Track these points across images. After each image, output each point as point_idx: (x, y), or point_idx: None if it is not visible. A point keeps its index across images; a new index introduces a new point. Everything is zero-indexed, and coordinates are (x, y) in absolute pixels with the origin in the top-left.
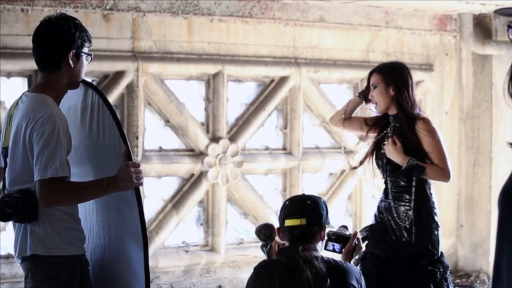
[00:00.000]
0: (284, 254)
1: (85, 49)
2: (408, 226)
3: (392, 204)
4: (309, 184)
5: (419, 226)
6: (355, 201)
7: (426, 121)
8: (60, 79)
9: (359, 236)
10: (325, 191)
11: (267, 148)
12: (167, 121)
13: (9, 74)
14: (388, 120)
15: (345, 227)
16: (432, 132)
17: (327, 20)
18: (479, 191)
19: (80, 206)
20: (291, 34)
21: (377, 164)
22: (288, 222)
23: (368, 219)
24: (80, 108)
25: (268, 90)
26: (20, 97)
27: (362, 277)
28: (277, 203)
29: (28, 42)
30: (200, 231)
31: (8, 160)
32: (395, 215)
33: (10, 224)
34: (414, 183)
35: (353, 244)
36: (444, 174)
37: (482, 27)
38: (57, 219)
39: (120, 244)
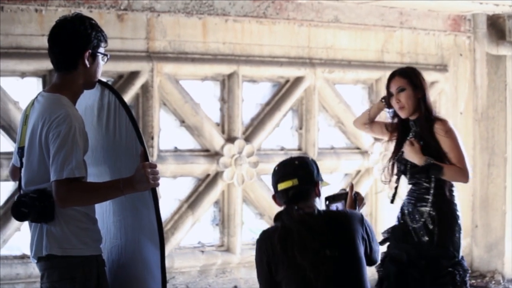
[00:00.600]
0: (280, 218)
1: (101, 49)
2: (430, 227)
3: (415, 205)
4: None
5: (441, 227)
6: (371, 201)
7: (443, 122)
8: (76, 79)
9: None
10: None
11: (282, 149)
12: (182, 122)
13: (23, 74)
14: (408, 125)
15: (343, 189)
16: (449, 132)
17: (342, 21)
18: (494, 192)
19: (97, 206)
20: (306, 35)
21: (399, 168)
22: (281, 186)
23: (384, 219)
24: (97, 108)
25: (283, 90)
26: (36, 97)
27: (367, 221)
28: None
29: (42, 42)
30: (216, 232)
31: (24, 160)
32: (417, 216)
33: (25, 225)
34: (433, 185)
35: (353, 196)
36: (462, 174)
37: (496, 28)
38: (74, 219)
39: (137, 245)
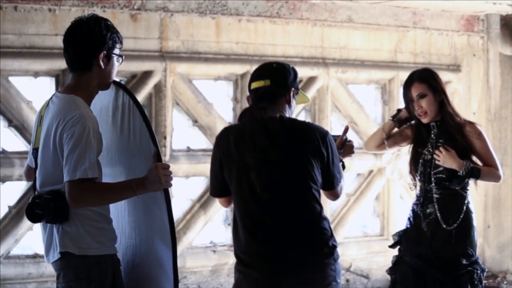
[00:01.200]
0: (244, 112)
1: (116, 50)
2: (448, 227)
3: (436, 208)
4: None
5: (459, 226)
6: (383, 201)
7: (473, 125)
8: (91, 80)
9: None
10: (352, 192)
11: None
12: (195, 121)
13: (36, 74)
14: (428, 127)
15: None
16: (481, 135)
17: (355, 21)
18: (506, 192)
19: (112, 206)
20: (319, 35)
21: (418, 171)
22: (254, 85)
23: (396, 220)
24: (112, 109)
25: None
26: (51, 98)
27: (332, 141)
28: None
29: (55, 42)
30: (228, 231)
31: (38, 161)
32: (435, 217)
33: (37, 225)
34: (462, 188)
35: (344, 138)
36: (497, 174)
37: (510, 28)
38: (88, 219)
39: (150, 245)
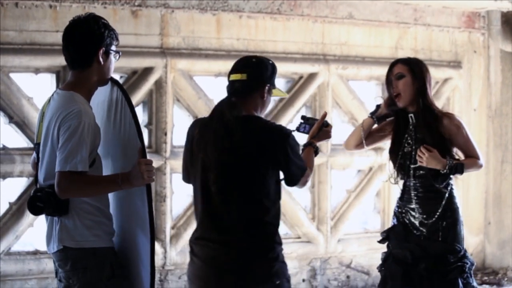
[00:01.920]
0: (215, 106)
1: (113, 47)
2: (434, 224)
3: (416, 203)
4: (338, 181)
5: (446, 223)
6: (383, 198)
7: (451, 117)
8: (90, 76)
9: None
10: (353, 188)
11: None
12: (195, 117)
13: (37, 70)
14: (407, 118)
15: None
16: (460, 126)
17: (356, 17)
18: (506, 189)
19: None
20: (320, 31)
21: (398, 163)
22: (231, 77)
23: None
24: (107, 104)
25: (297, 86)
26: (52, 94)
27: (294, 139)
28: (306, 200)
29: (56, 38)
30: None
31: (40, 155)
32: (420, 213)
33: (38, 220)
34: (442, 184)
35: (322, 124)
36: (478, 164)
37: (510, 25)
38: (87, 213)
39: (131, 234)
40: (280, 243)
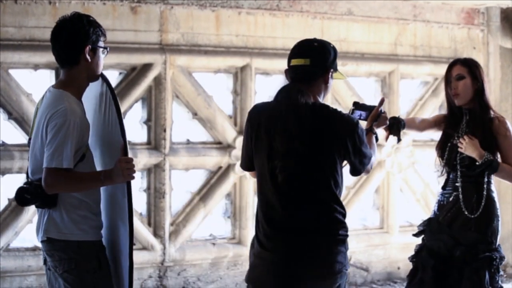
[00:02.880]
0: (281, 92)
1: (101, 43)
2: (471, 215)
3: (459, 195)
4: None
5: (480, 214)
6: (383, 194)
7: (503, 121)
8: (79, 73)
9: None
10: (352, 185)
11: None
12: (194, 114)
13: (36, 67)
14: (461, 113)
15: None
16: (507, 130)
17: (355, 14)
18: (506, 185)
19: None
20: (319, 27)
21: (444, 156)
22: (293, 62)
23: (396, 213)
24: (98, 99)
25: None
26: (46, 92)
27: (362, 129)
28: None
29: None
30: (228, 224)
31: (29, 150)
32: (459, 204)
33: (37, 216)
34: (482, 176)
35: (379, 111)
36: None
37: (510, 21)
38: (74, 207)
39: (113, 226)
40: (347, 231)
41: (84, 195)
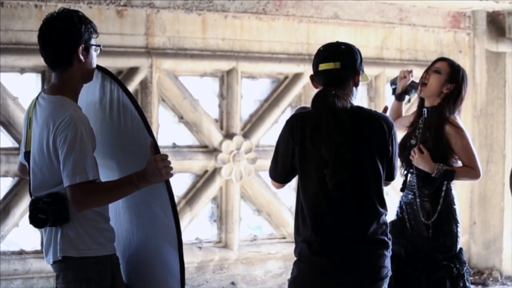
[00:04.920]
0: (317, 99)
1: (93, 41)
2: (426, 221)
3: (414, 198)
4: None
5: (437, 221)
6: None
7: (454, 124)
8: (73, 75)
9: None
10: None
11: None
12: (181, 118)
13: (22, 70)
14: (421, 112)
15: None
16: (460, 134)
17: (341, 17)
18: (492, 189)
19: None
20: (305, 31)
21: (402, 155)
22: (323, 66)
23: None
24: (98, 97)
25: (282, 86)
26: (37, 98)
27: (395, 131)
28: (291, 200)
29: None
30: (214, 228)
31: (31, 165)
32: (416, 209)
33: (23, 220)
34: (430, 190)
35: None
36: (474, 173)
37: (496, 25)
38: (88, 220)
39: (154, 245)
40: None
41: None
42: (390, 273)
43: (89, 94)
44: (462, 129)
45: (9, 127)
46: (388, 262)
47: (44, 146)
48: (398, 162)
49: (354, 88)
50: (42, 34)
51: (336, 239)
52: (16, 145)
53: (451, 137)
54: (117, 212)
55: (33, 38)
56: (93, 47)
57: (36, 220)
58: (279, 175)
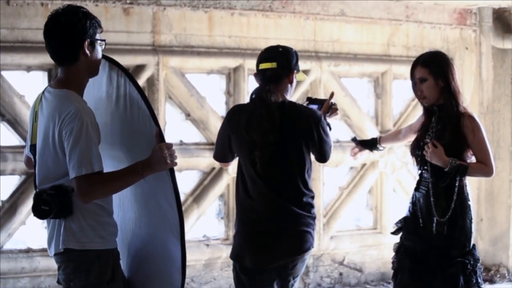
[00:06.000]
0: (254, 94)
1: (98, 36)
2: (442, 218)
3: (428, 194)
4: (330, 178)
5: (452, 217)
6: (376, 195)
7: (471, 118)
8: (79, 70)
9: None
10: (345, 185)
11: None
12: (188, 115)
13: (29, 68)
14: (431, 111)
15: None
16: (477, 129)
17: (348, 14)
18: (499, 185)
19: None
20: (312, 28)
21: (416, 154)
22: (262, 66)
23: (389, 213)
24: (105, 86)
25: None
26: (43, 92)
27: (324, 123)
28: None
29: None
30: (221, 225)
31: (37, 158)
32: (429, 206)
33: (30, 219)
34: (443, 184)
35: (330, 104)
36: (487, 170)
37: (502, 21)
38: (91, 213)
39: (158, 237)
40: (314, 211)
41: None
42: (312, 247)
43: (95, 86)
44: (478, 123)
45: (16, 125)
46: (310, 238)
47: (50, 138)
48: (332, 147)
49: (289, 85)
50: (48, 30)
51: (262, 207)
52: (23, 143)
53: (468, 131)
54: (121, 202)
55: (39, 36)
56: (98, 41)
57: (39, 211)
58: (219, 155)
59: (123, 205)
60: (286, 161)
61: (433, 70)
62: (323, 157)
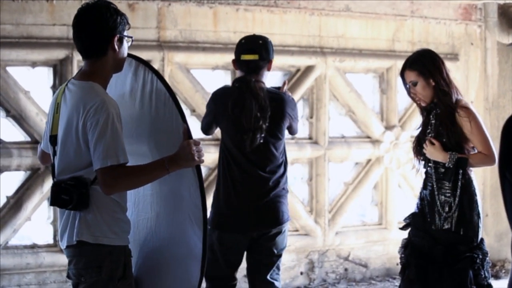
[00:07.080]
0: (239, 81)
1: (126, 32)
2: (449, 214)
3: (433, 191)
4: (335, 173)
5: (460, 213)
6: (381, 190)
7: (465, 109)
8: (106, 64)
9: (286, 89)
10: (351, 181)
11: (293, 138)
12: (193, 111)
13: (34, 64)
14: (429, 109)
15: (279, 87)
16: (472, 118)
17: (353, 10)
18: None
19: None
20: (317, 24)
21: (418, 152)
22: (245, 57)
23: (394, 209)
24: (130, 84)
25: (294, 79)
26: (66, 84)
27: (297, 105)
28: (304, 193)
29: (53, 31)
30: None
31: (58, 149)
32: (437, 203)
33: (35, 214)
34: (449, 180)
35: (283, 90)
36: (489, 159)
37: (507, 17)
38: (107, 208)
39: (175, 228)
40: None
41: (116, 194)
42: (289, 219)
43: (118, 84)
44: (474, 112)
45: (21, 120)
46: (286, 208)
47: (73, 129)
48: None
49: (266, 72)
50: (79, 23)
51: (246, 190)
52: (28, 139)
53: (464, 121)
54: (136, 202)
55: (45, 32)
56: (126, 38)
57: (59, 200)
58: (204, 128)
59: (138, 205)
60: (270, 141)
61: (421, 71)
62: (294, 132)
